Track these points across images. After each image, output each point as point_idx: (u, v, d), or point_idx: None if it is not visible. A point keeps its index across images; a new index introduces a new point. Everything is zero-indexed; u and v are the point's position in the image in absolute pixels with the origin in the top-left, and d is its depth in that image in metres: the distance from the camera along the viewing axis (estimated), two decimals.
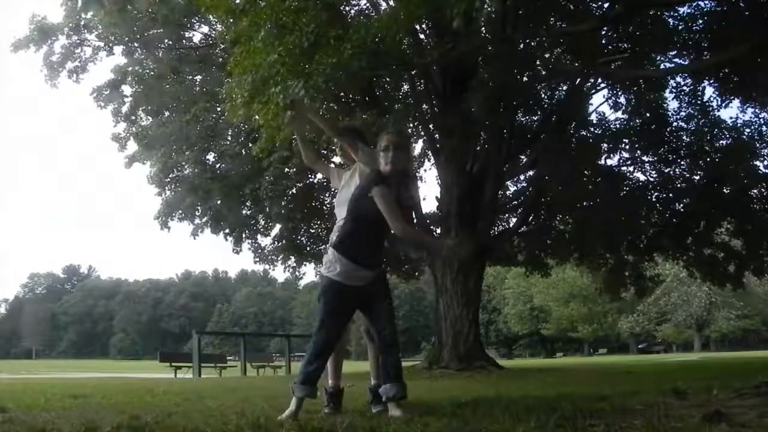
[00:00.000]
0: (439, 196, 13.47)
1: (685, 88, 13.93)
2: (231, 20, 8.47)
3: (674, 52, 12.66)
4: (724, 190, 14.38)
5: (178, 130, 14.91)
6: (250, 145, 12.50)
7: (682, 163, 14.76)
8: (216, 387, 7.37)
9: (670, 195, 15.03)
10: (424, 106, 13.76)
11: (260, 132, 9.75)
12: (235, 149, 14.98)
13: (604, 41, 12.27)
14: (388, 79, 12.54)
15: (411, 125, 13.81)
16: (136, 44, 15.04)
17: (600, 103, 16.41)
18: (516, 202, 15.56)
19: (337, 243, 3.57)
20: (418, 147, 16.37)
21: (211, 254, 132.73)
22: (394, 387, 3.50)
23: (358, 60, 7.03)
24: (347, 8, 11.68)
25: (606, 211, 13.82)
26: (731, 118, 15.52)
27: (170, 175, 15.71)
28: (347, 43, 7.13)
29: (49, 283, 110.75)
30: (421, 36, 12.57)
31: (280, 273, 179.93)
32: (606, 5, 11.17)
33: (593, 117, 15.02)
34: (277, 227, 16.80)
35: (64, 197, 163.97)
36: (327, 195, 16.47)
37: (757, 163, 14.19)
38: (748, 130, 13.89)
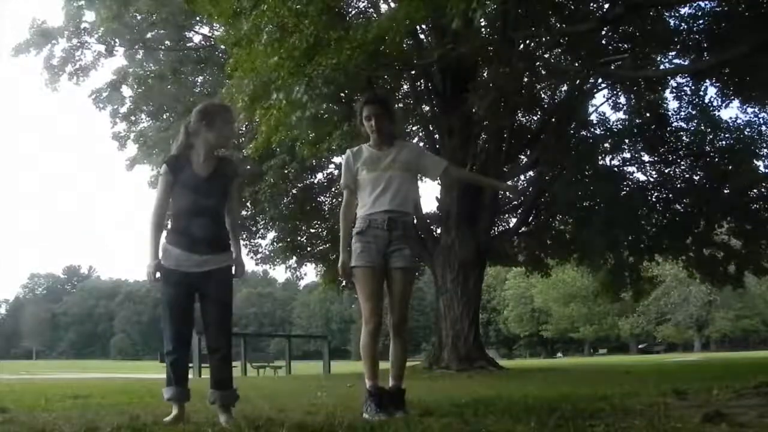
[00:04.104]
0: (439, 196, 13.48)
1: (685, 88, 13.96)
2: (230, 21, 8.48)
3: (674, 53, 12.67)
4: (724, 190, 14.38)
5: (176, 133, 14.89)
6: (248, 146, 12.50)
7: (682, 163, 14.77)
8: None
9: (670, 195, 15.03)
10: (424, 106, 13.75)
11: (256, 132, 9.75)
12: (234, 151, 14.97)
13: (604, 41, 12.27)
14: (388, 78, 12.55)
15: (411, 125, 13.82)
16: (136, 46, 15.06)
17: (600, 104, 16.53)
18: (516, 202, 15.57)
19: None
20: None
21: None
22: (215, 393, 3.33)
23: (357, 60, 7.04)
24: (346, 8, 11.69)
25: (606, 211, 13.83)
26: (731, 118, 15.57)
27: None
28: (347, 43, 7.14)
29: (49, 284, 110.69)
30: (421, 36, 12.58)
31: (280, 273, 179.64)
32: (606, 5, 11.18)
33: (594, 117, 15.04)
34: (276, 229, 16.78)
35: (64, 197, 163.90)
36: (327, 195, 16.47)
37: (758, 163, 14.22)
38: (748, 130, 13.90)
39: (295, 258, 17.43)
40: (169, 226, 3.45)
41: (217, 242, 3.39)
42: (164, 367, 3.46)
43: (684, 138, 14.54)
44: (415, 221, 4.03)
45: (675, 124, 14.52)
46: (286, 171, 14.10)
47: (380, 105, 3.70)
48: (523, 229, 14.99)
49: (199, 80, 15.98)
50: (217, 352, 3.34)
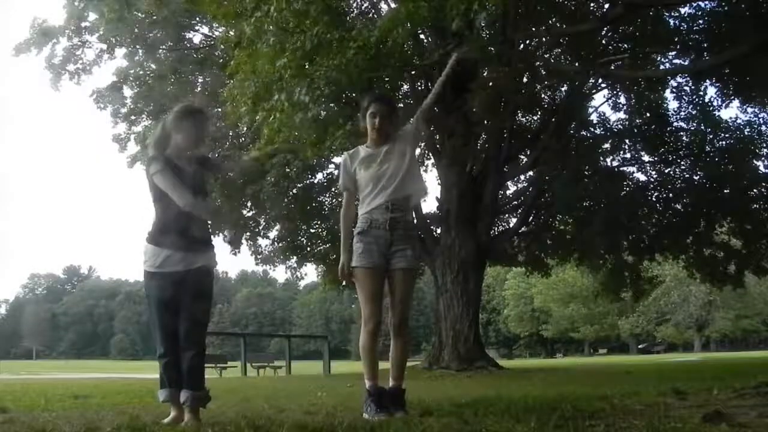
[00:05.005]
0: (439, 196, 13.48)
1: (685, 88, 13.96)
2: (232, 22, 8.48)
3: (675, 53, 12.68)
4: (724, 190, 14.38)
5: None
6: (251, 146, 12.52)
7: (682, 163, 14.77)
8: (216, 387, 7.36)
9: (670, 195, 15.04)
10: None
11: (260, 133, 9.76)
12: (235, 151, 14.98)
13: (604, 41, 12.27)
14: (388, 79, 12.55)
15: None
16: (137, 46, 15.06)
17: (600, 104, 16.58)
18: (516, 202, 15.56)
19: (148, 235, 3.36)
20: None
21: None
22: (186, 394, 3.25)
23: (359, 61, 7.04)
24: (347, 9, 11.69)
25: (606, 211, 13.82)
26: (731, 118, 15.58)
27: None
28: (351, 43, 7.13)
29: (49, 284, 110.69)
30: (422, 37, 12.57)
31: (280, 273, 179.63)
32: (606, 5, 11.18)
33: (594, 117, 15.05)
34: (276, 229, 16.78)
35: (64, 197, 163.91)
36: (327, 195, 16.46)
37: (758, 163, 14.22)
38: (748, 130, 13.91)
39: (295, 258, 17.42)
40: (152, 227, 3.36)
41: (203, 239, 3.38)
42: None
43: (684, 138, 14.54)
44: (415, 220, 4.02)
45: (675, 124, 14.53)
46: (287, 170, 14.09)
47: (388, 106, 3.72)
48: (523, 229, 14.98)
49: (200, 80, 15.96)
50: (191, 350, 3.27)
